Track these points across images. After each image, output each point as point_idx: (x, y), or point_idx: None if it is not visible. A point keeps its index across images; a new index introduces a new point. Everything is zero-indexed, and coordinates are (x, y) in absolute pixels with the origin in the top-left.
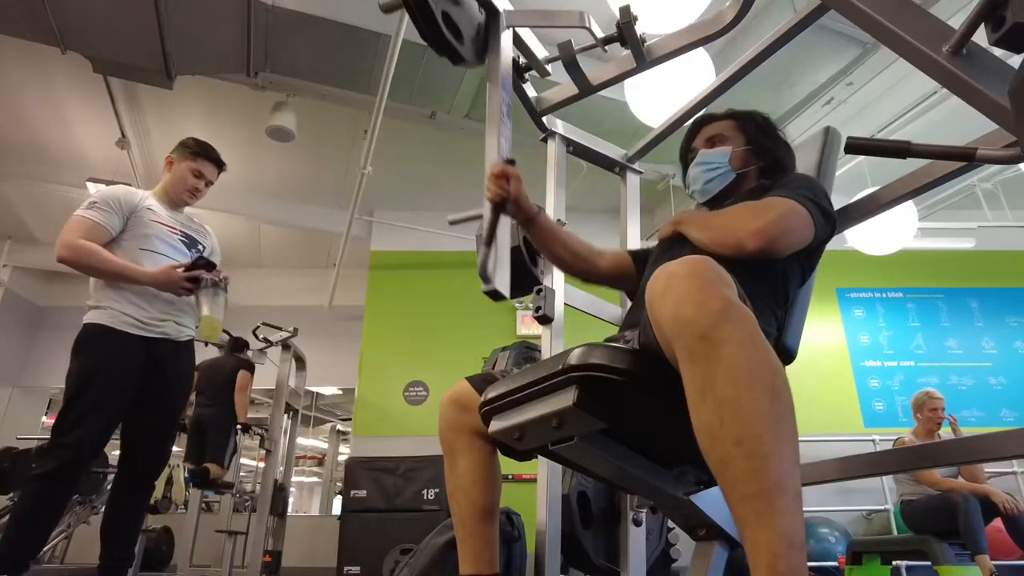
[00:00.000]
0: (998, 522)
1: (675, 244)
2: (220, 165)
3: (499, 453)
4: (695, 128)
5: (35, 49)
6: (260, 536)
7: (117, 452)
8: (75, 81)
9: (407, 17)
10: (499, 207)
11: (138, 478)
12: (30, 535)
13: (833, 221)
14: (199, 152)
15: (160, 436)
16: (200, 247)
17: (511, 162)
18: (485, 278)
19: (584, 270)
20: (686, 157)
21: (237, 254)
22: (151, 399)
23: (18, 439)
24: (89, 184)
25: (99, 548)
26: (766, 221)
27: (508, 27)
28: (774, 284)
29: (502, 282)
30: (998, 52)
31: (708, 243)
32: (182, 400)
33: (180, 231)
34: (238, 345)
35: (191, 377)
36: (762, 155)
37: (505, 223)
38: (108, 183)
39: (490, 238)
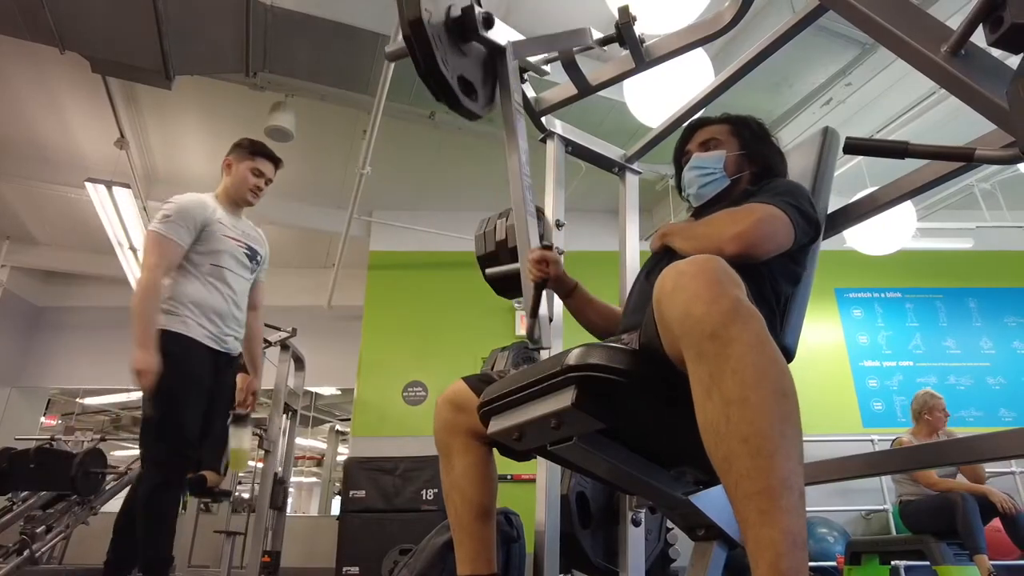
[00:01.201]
0: (997, 522)
1: (664, 257)
2: (276, 162)
3: (497, 453)
4: (690, 131)
5: (33, 49)
6: (259, 536)
7: (119, 453)
8: (73, 81)
9: None
10: (540, 286)
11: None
12: (167, 536)
13: (816, 223)
14: (256, 151)
15: (204, 445)
16: (259, 257)
17: (548, 247)
18: (533, 340)
19: (614, 333)
20: (680, 160)
21: None
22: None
23: (16, 439)
24: (88, 184)
25: (104, 546)
26: (743, 227)
27: (515, 59)
28: (762, 284)
29: (546, 338)
30: (996, 53)
31: (692, 252)
32: (227, 410)
33: (245, 243)
34: None
35: (235, 388)
36: (755, 161)
37: (546, 296)
38: (107, 183)
39: (534, 311)
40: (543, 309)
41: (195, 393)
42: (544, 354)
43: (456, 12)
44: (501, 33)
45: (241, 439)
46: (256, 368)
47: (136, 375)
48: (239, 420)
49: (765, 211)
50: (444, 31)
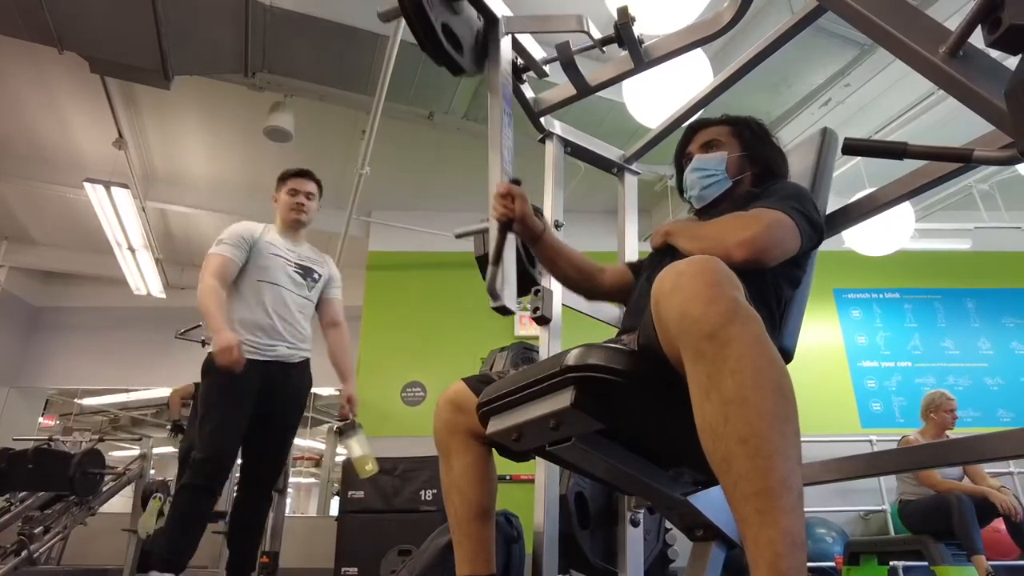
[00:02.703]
0: (998, 522)
1: (666, 255)
2: (307, 174)
3: (496, 453)
4: (690, 133)
5: (32, 49)
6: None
7: (117, 453)
8: (72, 81)
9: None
10: (505, 226)
11: (258, 489)
12: (188, 539)
13: (820, 229)
14: (285, 175)
15: (274, 450)
16: (316, 275)
17: (516, 182)
18: (494, 295)
19: (588, 287)
20: (681, 161)
21: None
22: (265, 417)
23: (14, 440)
24: (86, 184)
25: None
26: (753, 232)
27: (507, 33)
28: (764, 288)
29: (510, 298)
30: (995, 54)
31: (698, 253)
32: (294, 415)
33: (296, 262)
34: None
35: (304, 394)
36: (756, 162)
37: (511, 241)
38: (106, 184)
39: (497, 257)
40: (507, 257)
41: (237, 406)
42: (545, 353)
43: None
44: (496, 5)
45: (353, 448)
46: (347, 378)
47: (220, 355)
48: (344, 432)
49: (773, 217)
50: None
